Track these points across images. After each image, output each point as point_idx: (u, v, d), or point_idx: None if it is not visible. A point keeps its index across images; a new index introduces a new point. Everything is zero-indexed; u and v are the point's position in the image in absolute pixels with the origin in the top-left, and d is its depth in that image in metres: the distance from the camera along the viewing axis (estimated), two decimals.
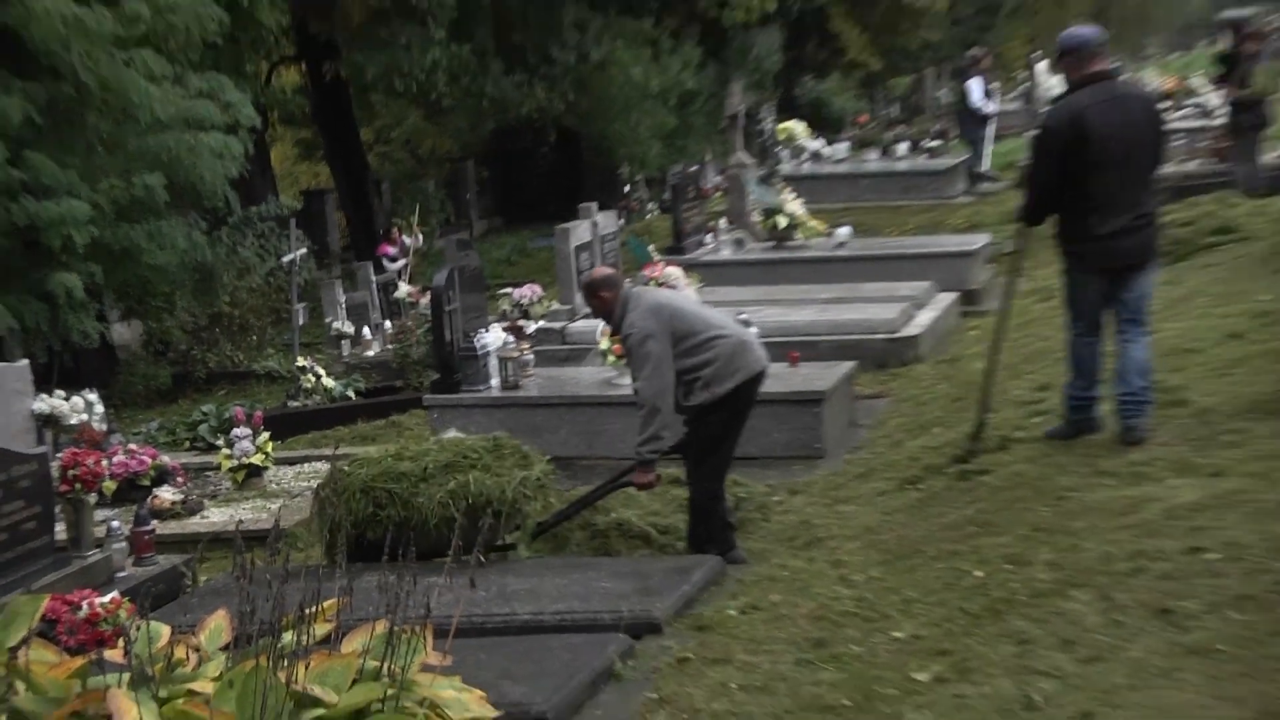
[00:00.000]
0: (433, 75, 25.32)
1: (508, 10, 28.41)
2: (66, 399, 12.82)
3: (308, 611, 4.98)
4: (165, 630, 5.34)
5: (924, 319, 16.40)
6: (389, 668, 4.95)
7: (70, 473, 9.95)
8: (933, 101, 46.92)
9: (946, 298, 17.56)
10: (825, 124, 38.72)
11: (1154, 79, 38.68)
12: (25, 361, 11.95)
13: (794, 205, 20.97)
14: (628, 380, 10.45)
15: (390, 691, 4.89)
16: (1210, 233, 17.19)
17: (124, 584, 9.43)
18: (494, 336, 14.29)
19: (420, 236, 23.89)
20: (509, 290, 18.51)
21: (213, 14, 16.96)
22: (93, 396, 13.21)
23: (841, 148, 30.50)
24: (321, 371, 17.09)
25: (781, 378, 12.27)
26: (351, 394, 16.90)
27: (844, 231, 20.62)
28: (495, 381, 13.64)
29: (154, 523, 10.72)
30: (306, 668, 4.77)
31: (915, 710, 6.59)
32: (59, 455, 10.37)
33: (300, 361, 17.35)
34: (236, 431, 13.25)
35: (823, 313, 16.27)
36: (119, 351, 20.62)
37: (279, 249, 20.59)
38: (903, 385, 14.49)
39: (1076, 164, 9.42)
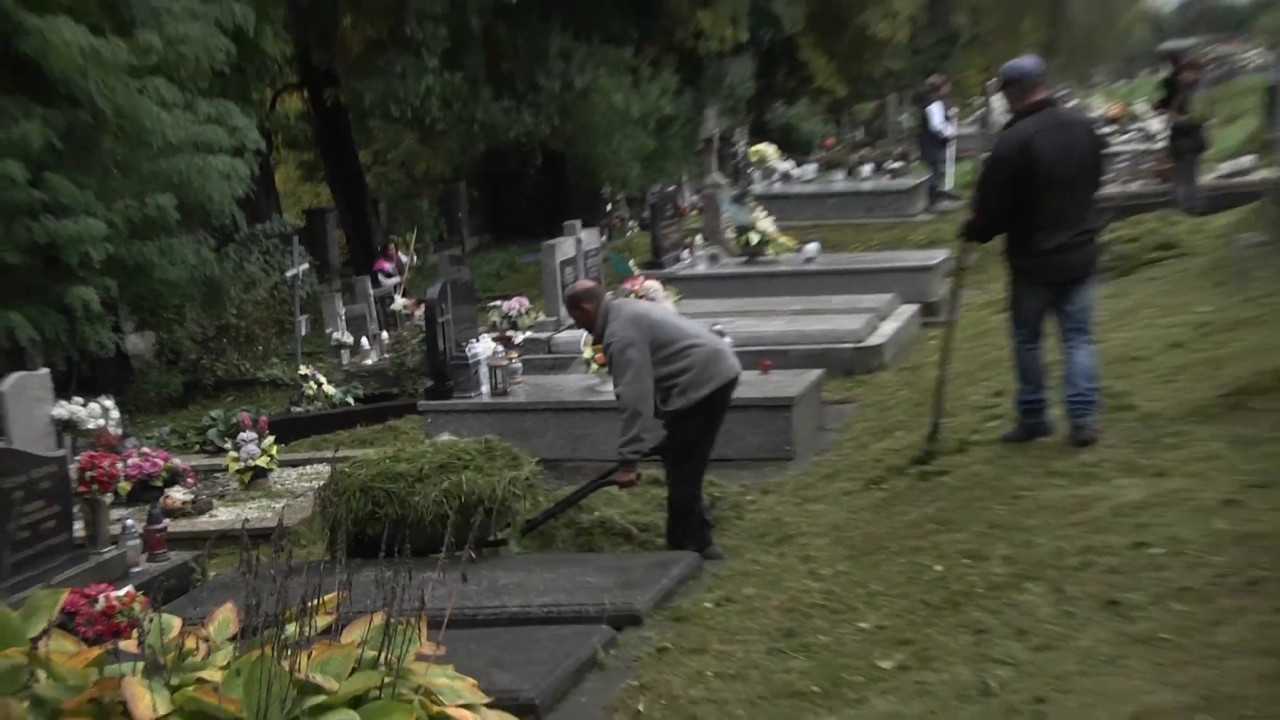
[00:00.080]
0: (427, 101, 25.37)
1: (497, 40, 28.47)
2: (84, 405, 12.77)
3: (309, 604, 4.97)
4: (176, 622, 5.34)
5: (887, 329, 16.42)
6: (386, 657, 4.94)
7: (88, 474, 9.94)
8: (895, 126, 47.01)
9: (908, 309, 17.58)
10: (794, 147, 38.78)
11: (1100, 105, 38.85)
12: (45, 370, 11.97)
13: (765, 223, 20.98)
14: (610, 387, 10.45)
15: (387, 679, 4.88)
16: (1154, 248, 17.23)
17: (138, 579, 9.43)
18: (484, 346, 14.27)
19: (415, 256, 23.91)
20: (498, 303, 18.48)
21: (221, 45, 16.98)
22: (109, 403, 13.16)
23: (810, 169, 30.56)
24: (323, 379, 17.07)
25: (754, 384, 12.26)
26: (351, 400, 16.87)
27: (812, 247, 20.63)
28: (485, 388, 13.63)
29: (166, 521, 10.71)
30: (309, 657, 4.76)
31: (880, 696, 6.59)
32: (77, 458, 10.35)
33: (303, 370, 17.33)
34: (243, 435, 13.25)
35: (792, 323, 16.28)
36: (133, 361, 20.59)
37: (283, 264, 20.58)
38: (867, 391, 14.50)
39: (1026, 187, 9.47)
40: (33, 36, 14.69)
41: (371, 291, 21.38)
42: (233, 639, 5.15)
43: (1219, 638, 6.10)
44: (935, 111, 27.99)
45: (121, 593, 6.76)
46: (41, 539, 9.18)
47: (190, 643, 5.10)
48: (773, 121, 43.79)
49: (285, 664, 4.64)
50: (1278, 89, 17.85)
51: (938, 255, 20.19)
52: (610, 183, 33.05)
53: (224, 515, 12.25)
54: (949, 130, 28.60)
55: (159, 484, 12.25)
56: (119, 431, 13.23)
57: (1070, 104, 43.51)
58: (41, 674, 4.86)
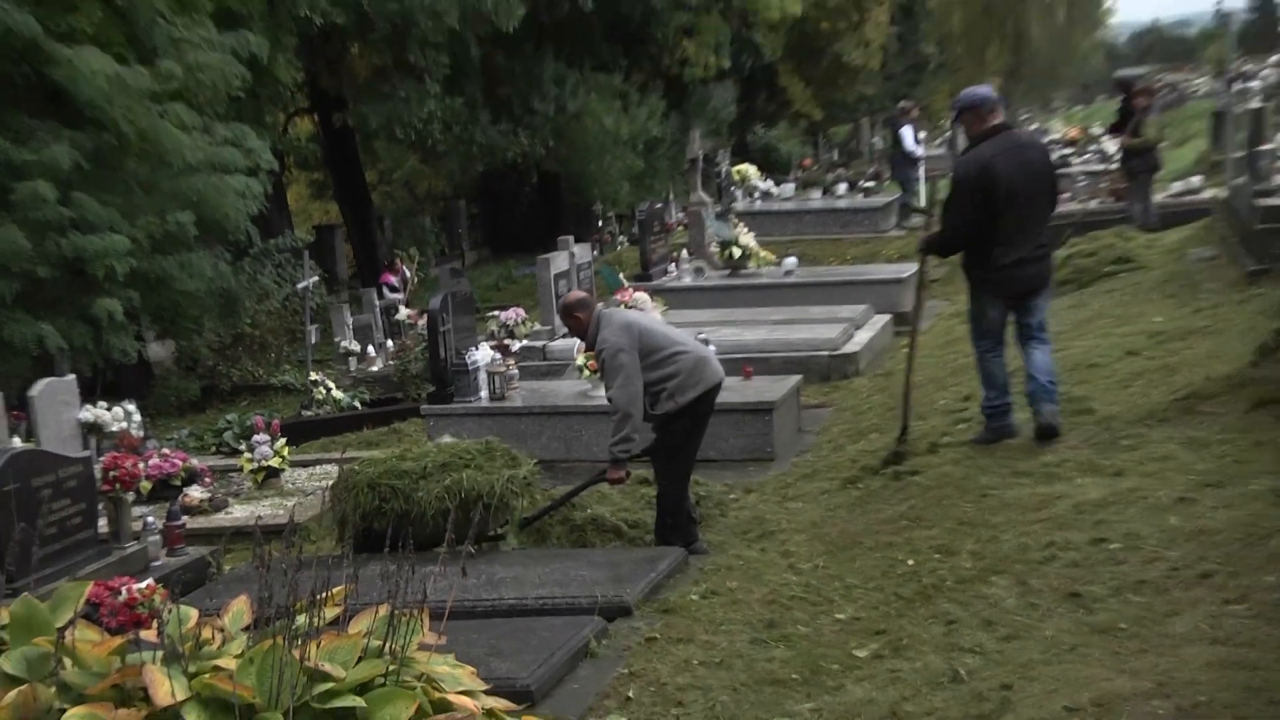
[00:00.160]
0: (429, 124, 25.33)
1: (495, 67, 28.46)
2: (108, 409, 12.75)
3: (319, 597, 4.94)
4: (194, 613, 5.31)
5: (862, 338, 16.41)
6: (390, 647, 4.92)
7: (111, 474, 9.93)
8: (868, 147, 47.01)
9: (881, 319, 17.57)
10: (774, 167, 38.80)
11: (1060, 128, 38.88)
12: (72, 376, 11.96)
13: (747, 238, 20.97)
14: (601, 391, 10.44)
15: (391, 668, 4.86)
16: (1110, 262, 17.24)
17: (158, 572, 9.41)
18: (483, 354, 14.25)
19: (414, 280, 23.98)
20: (496, 313, 18.44)
21: (237, 72, 16.98)
22: (131, 407, 13.15)
23: (789, 188, 30.52)
24: (331, 385, 17.05)
25: (736, 390, 12.25)
26: (358, 404, 16.85)
27: (791, 261, 20.62)
28: (484, 393, 13.60)
29: (184, 518, 10.69)
30: (318, 646, 4.74)
31: (856, 683, 6.59)
32: (101, 459, 10.33)
33: (313, 376, 17.31)
34: (257, 438, 13.22)
35: (773, 332, 16.26)
36: (154, 367, 20.54)
37: (294, 277, 20.56)
38: (843, 396, 14.48)
39: (986, 206, 9.52)
40: (62, 65, 14.78)
41: (377, 302, 21.35)
42: (246, 629, 5.12)
43: (1174, 627, 6.10)
44: (908, 133, 28.00)
45: (143, 585, 6.71)
46: (68, 535, 9.19)
47: (207, 632, 5.08)
48: (754, 143, 43.82)
49: (296, 653, 4.62)
50: (1224, 114, 17.88)
51: (908, 268, 20.15)
52: (601, 200, 33.04)
53: (239, 513, 12.21)
54: (919, 151, 28.63)
55: (178, 483, 12.24)
56: (140, 434, 13.22)
57: (1032, 127, 43.63)
58: (68, 661, 4.84)
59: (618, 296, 15.78)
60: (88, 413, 12.18)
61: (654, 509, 9.82)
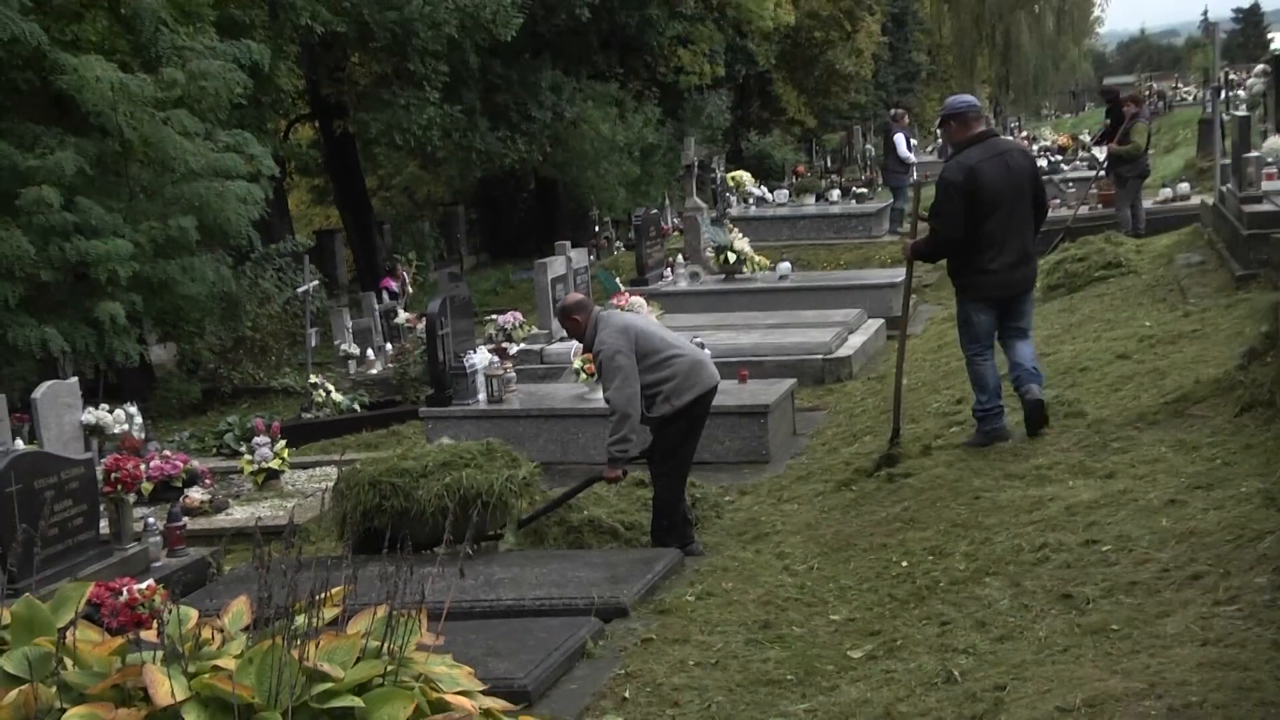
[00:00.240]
0: (428, 131, 25.35)
1: (494, 76, 28.52)
2: (110, 411, 12.70)
3: (318, 597, 4.91)
4: (194, 613, 5.28)
5: (855, 342, 16.39)
6: (388, 647, 4.89)
7: (113, 475, 9.92)
8: (861, 154, 47.05)
9: (874, 323, 17.55)
10: (768, 173, 38.76)
11: (1050, 135, 38.91)
12: (75, 379, 11.93)
13: (742, 243, 20.97)
14: (598, 394, 10.42)
15: (390, 668, 4.83)
16: (1100, 267, 17.20)
17: (158, 573, 9.39)
18: (481, 357, 14.22)
19: (411, 290, 24.01)
20: (494, 317, 18.42)
21: (238, 79, 17.02)
22: (133, 409, 13.10)
23: (782, 194, 30.55)
24: (331, 388, 17.02)
25: (731, 393, 12.23)
26: (357, 407, 16.83)
27: (785, 266, 20.62)
28: (482, 396, 13.57)
29: (185, 519, 10.68)
30: (317, 647, 4.70)
31: (850, 684, 6.56)
32: (103, 461, 10.30)
33: (313, 379, 17.28)
34: (257, 440, 13.21)
35: (767, 336, 16.25)
36: (156, 370, 20.50)
37: (295, 281, 20.51)
38: (837, 399, 14.46)
39: (972, 213, 9.53)
40: (68, 73, 14.88)
41: (376, 306, 21.32)
42: (246, 629, 5.08)
43: (1165, 628, 6.07)
44: (900, 140, 28.01)
45: (143, 586, 6.70)
46: (70, 535, 9.18)
47: (206, 633, 5.04)
48: (748, 150, 43.81)
49: (295, 653, 4.59)
50: (1210, 122, 17.86)
51: (901, 273, 20.13)
52: (598, 206, 33.08)
53: (239, 514, 12.19)
54: (912, 157, 28.65)
55: (179, 484, 12.20)
56: (142, 436, 13.17)
57: (1021, 134, 43.65)
58: (68, 661, 4.80)
59: (614, 301, 15.75)
60: (90, 415, 12.13)
61: (650, 511, 9.79)
